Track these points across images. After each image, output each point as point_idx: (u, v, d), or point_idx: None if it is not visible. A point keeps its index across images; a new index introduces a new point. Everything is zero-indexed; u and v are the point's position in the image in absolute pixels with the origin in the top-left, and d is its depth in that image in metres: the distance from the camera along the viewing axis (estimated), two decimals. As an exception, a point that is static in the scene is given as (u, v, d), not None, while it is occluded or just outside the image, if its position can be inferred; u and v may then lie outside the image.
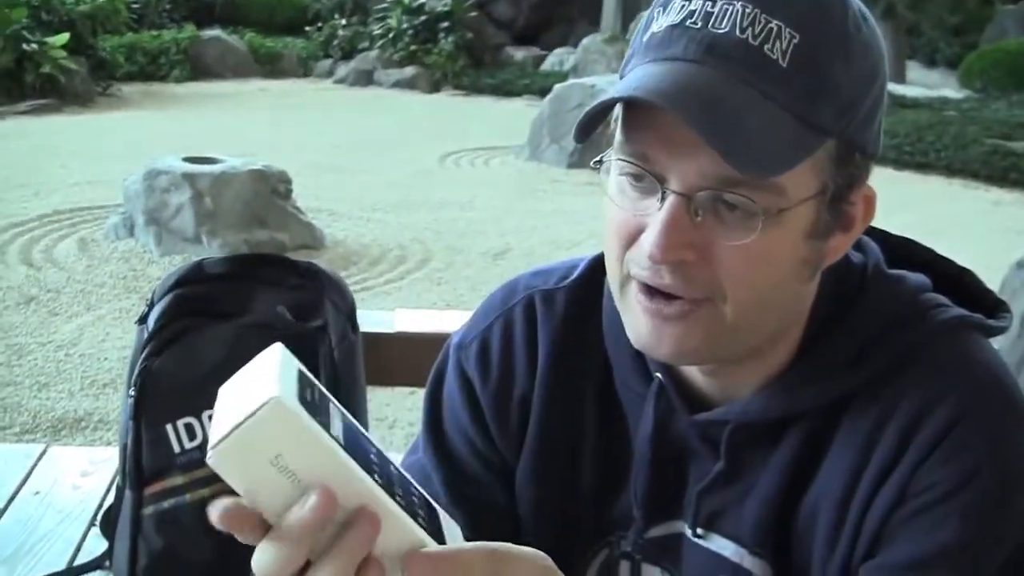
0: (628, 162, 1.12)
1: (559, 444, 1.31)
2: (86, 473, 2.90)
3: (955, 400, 1.13)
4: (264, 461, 0.86)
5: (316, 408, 0.87)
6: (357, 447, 0.88)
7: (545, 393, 1.30)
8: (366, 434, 0.94)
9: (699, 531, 1.22)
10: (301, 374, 0.90)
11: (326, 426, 0.86)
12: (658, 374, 1.21)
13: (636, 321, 1.15)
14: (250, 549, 2.09)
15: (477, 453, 1.35)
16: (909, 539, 1.12)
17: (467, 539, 1.03)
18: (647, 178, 1.10)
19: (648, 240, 1.09)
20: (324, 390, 0.94)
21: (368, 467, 0.88)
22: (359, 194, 9.96)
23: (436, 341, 2.69)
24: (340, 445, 0.86)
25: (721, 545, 1.21)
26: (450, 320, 2.77)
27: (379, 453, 0.92)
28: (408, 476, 0.95)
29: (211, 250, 7.63)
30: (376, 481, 0.87)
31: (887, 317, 1.18)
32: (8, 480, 2.82)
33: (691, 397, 1.22)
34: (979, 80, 16.54)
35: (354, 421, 0.94)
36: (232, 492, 0.91)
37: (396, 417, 4.27)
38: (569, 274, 1.36)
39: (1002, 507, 1.12)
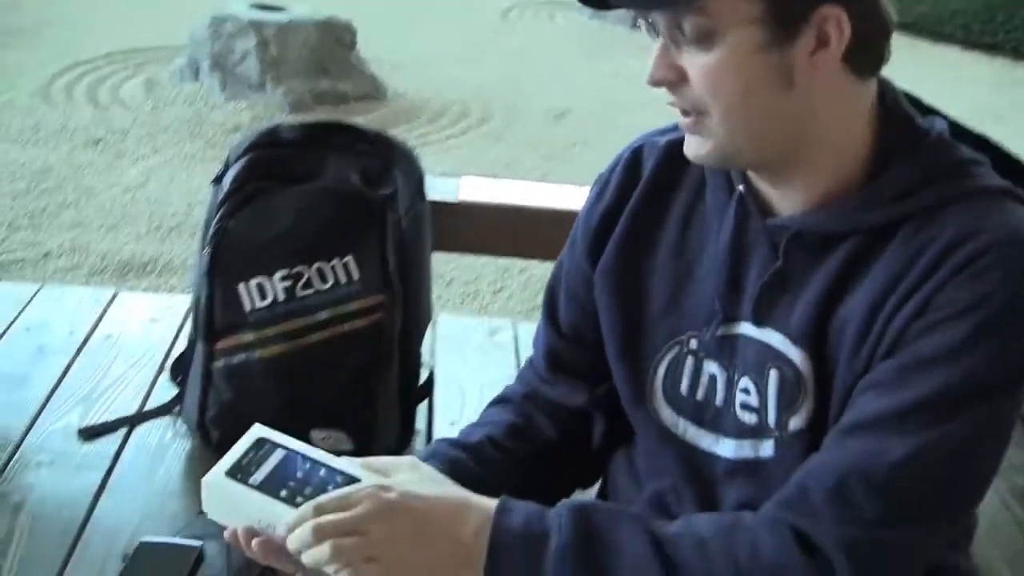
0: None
1: (640, 243, 1.50)
2: (155, 319, 3.00)
3: (987, 237, 1.28)
4: (218, 503, 1.32)
5: (245, 469, 1.29)
6: (278, 479, 1.29)
7: (639, 200, 1.51)
8: (309, 454, 1.33)
9: (756, 322, 1.38)
10: (256, 443, 1.33)
11: (246, 479, 1.29)
12: (740, 186, 1.40)
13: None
14: (311, 400, 2.19)
15: (581, 273, 1.58)
16: (921, 344, 1.28)
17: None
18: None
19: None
20: (279, 440, 1.35)
21: (278, 489, 1.28)
22: (422, 46, 9.92)
23: (498, 210, 2.79)
24: (252, 487, 1.28)
25: (771, 337, 1.37)
26: (512, 190, 2.84)
27: (311, 468, 1.32)
28: (339, 469, 1.32)
29: (275, 97, 7.67)
30: (281, 497, 1.27)
31: (942, 167, 1.34)
32: (81, 323, 2.93)
33: (765, 208, 1.40)
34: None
35: (297, 451, 1.34)
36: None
37: (454, 276, 4.36)
38: None
39: (1006, 330, 1.27)
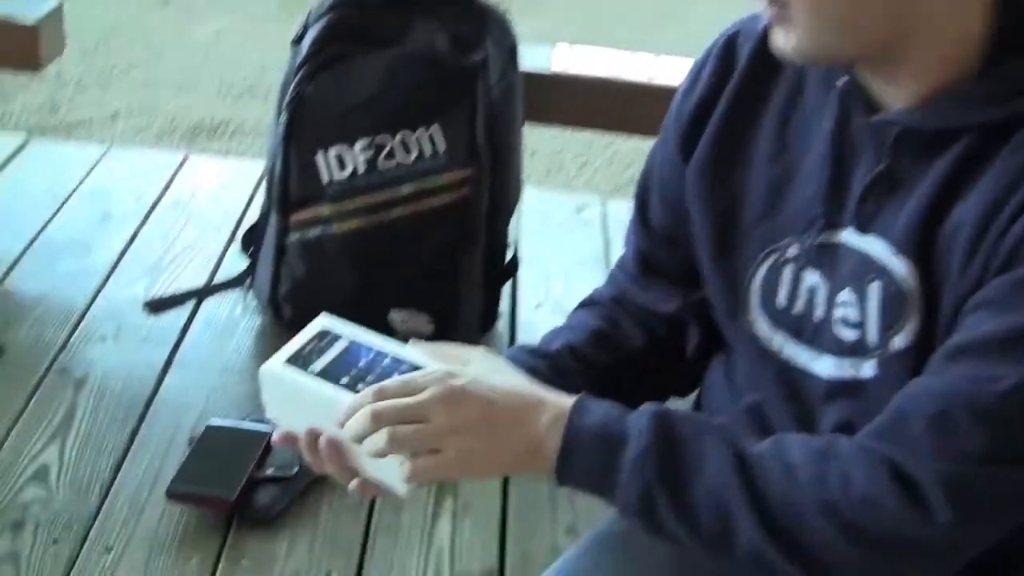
0: None
1: (735, 140, 1.37)
2: (226, 185, 2.90)
3: None
4: (277, 393, 1.23)
5: (306, 357, 1.21)
6: (339, 367, 1.20)
7: (734, 93, 1.38)
8: (374, 344, 1.24)
9: (858, 229, 1.26)
10: (319, 334, 1.23)
11: (306, 367, 1.20)
12: (842, 79, 1.27)
13: None
14: (390, 279, 2.09)
15: (673, 170, 1.45)
16: None
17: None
18: None
19: None
20: (344, 330, 1.24)
21: (339, 377, 1.19)
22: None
23: (593, 82, 2.63)
24: (312, 374, 1.19)
25: (874, 245, 1.25)
26: (612, 61, 2.66)
27: (375, 357, 1.22)
28: (404, 358, 1.23)
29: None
30: (341, 384, 1.18)
31: None
32: (148, 188, 2.83)
33: (870, 103, 1.26)
34: None
35: (362, 341, 1.24)
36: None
37: (537, 148, 4.20)
38: None
39: None
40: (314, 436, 1.20)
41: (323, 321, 1.25)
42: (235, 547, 1.75)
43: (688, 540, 1.20)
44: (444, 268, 2.18)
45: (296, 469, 1.81)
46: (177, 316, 2.31)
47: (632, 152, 4.27)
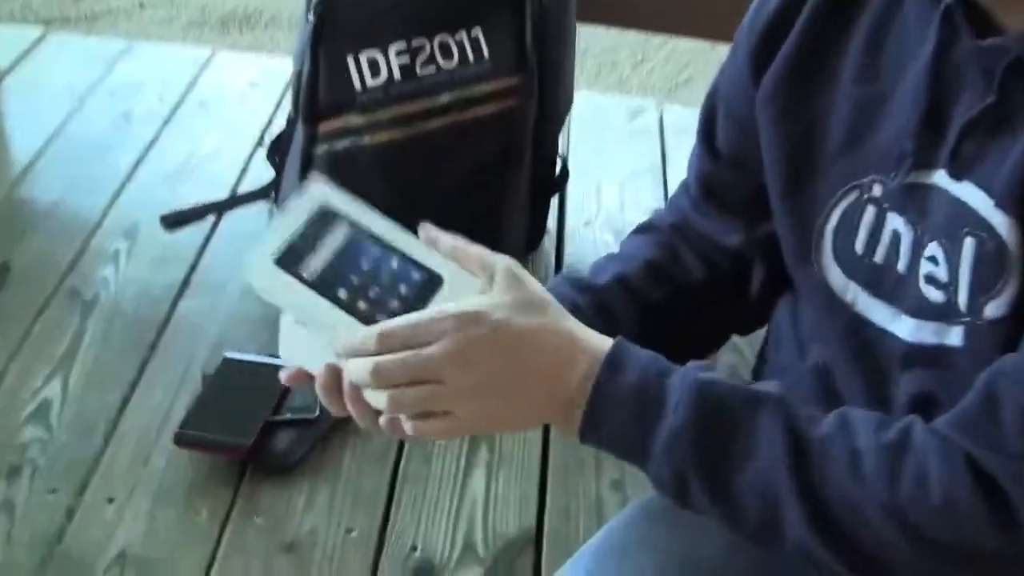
0: None
1: (816, 61, 1.25)
2: (254, 84, 2.76)
3: None
4: (268, 288, 1.06)
5: (300, 253, 1.06)
6: (338, 273, 1.06)
7: (817, 5, 1.24)
8: (380, 234, 1.09)
9: (952, 175, 1.14)
10: (315, 217, 1.09)
11: (299, 270, 1.05)
12: None
13: None
14: (425, 196, 2.00)
15: (743, 89, 1.32)
16: None
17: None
18: None
19: None
20: (345, 208, 1.09)
21: (337, 287, 1.05)
22: None
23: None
24: (305, 283, 1.04)
25: (971, 194, 1.13)
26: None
27: (381, 257, 1.07)
28: (416, 260, 1.08)
29: None
30: (339, 301, 1.04)
31: None
32: (172, 86, 2.68)
33: (981, 24, 1.13)
34: None
35: (366, 227, 1.09)
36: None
37: (588, 45, 4.02)
38: None
39: None
40: (333, 372, 1.05)
41: (320, 194, 1.10)
42: (249, 500, 1.61)
43: (725, 528, 1.09)
44: (486, 184, 2.02)
45: (317, 412, 1.66)
46: (197, 230, 2.16)
47: (690, 51, 4.09)
